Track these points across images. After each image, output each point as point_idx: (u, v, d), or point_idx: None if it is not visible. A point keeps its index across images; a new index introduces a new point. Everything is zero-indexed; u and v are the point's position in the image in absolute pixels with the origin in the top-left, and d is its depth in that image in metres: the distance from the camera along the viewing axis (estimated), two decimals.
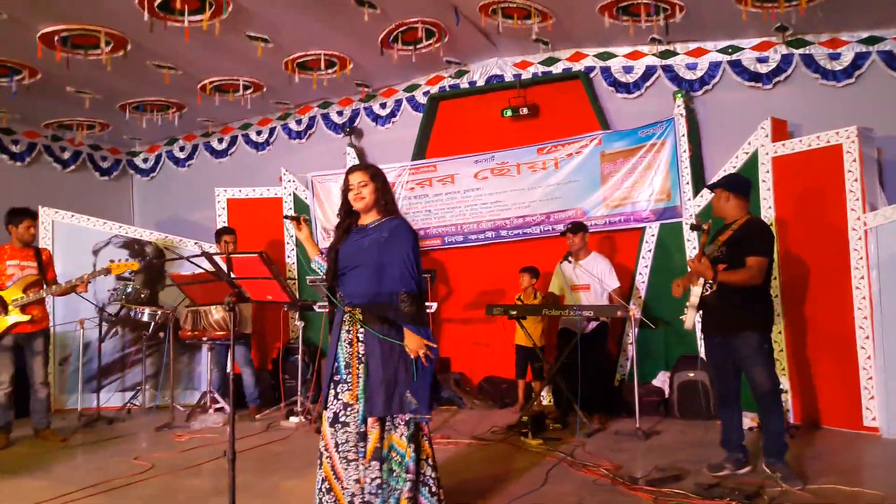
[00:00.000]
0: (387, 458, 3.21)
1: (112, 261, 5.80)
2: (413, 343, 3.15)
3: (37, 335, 5.66)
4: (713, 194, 4.40)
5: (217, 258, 2.99)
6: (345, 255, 3.33)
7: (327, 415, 3.29)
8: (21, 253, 5.72)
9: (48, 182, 8.73)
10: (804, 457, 4.53)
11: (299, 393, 6.48)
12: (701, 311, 4.22)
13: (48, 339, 5.85)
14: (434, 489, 3.27)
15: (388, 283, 3.21)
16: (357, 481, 3.20)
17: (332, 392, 3.29)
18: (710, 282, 4.05)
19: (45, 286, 5.64)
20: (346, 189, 3.38)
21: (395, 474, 3.20)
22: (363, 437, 3.22)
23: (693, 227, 4.56)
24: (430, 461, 3.31)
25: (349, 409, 3.23)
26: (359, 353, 3.25)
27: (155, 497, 4.02)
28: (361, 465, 3.21)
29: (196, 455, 5.03)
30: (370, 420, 3.21)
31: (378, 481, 3.18)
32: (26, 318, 5.52)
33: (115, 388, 7.32)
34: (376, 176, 3.38)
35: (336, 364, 3.29)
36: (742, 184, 4.36)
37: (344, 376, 3.26)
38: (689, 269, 4.33)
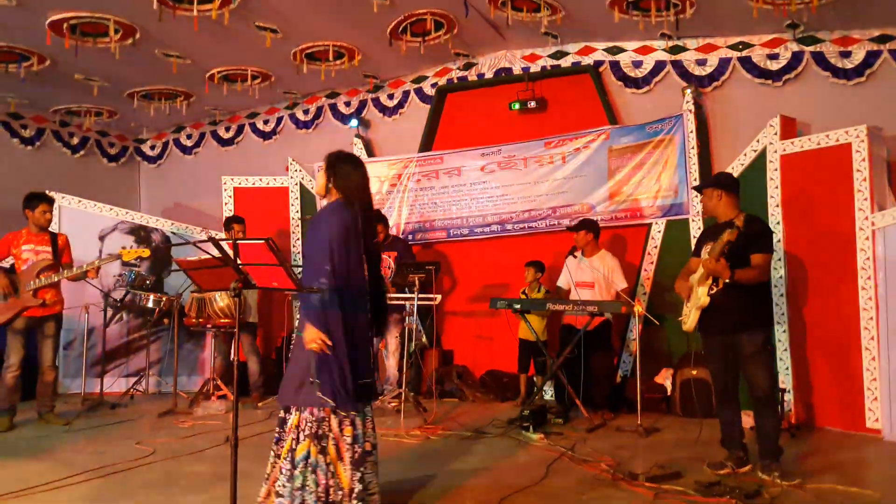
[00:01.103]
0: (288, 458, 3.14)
1: (124, 247, 5.82)
2: (308, 335, 3.06)
3: (48, 319, 5.70)
4: (702, 195, 4.38)
5: (223, 244, 2.99)
6: None
7: None
8: (36, 237, 5.76)
9: (57, 166, 8.78)
10: (805, 456, 4.53)
11: None
12: (701, 311, 4.18)
13: (60, 323, 5.87)
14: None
15: (309, 273, 3.17)
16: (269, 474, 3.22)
17: None
18: (727, 281, 4.00)
19: (57, 271, 5.66)
20: None
21: (304, 469, 3.11)
22: (281, 423, 3.23)
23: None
24: (331, 467, 3.13)
25: None
26: None
27: (156, 482, 4.04)
28: (272, 455, 3.22)
29: (198, 441, 5.05)
30: (292, 412, 3.19)
31: (288, 474, 3.12)
32: (38, 302, 5.56)
33: (118, 373, 7.35)
34: (329, 162, 3.38)
35: None
36: (732, 181, 4.36)
37: None
38: (691, 269, 4.30)
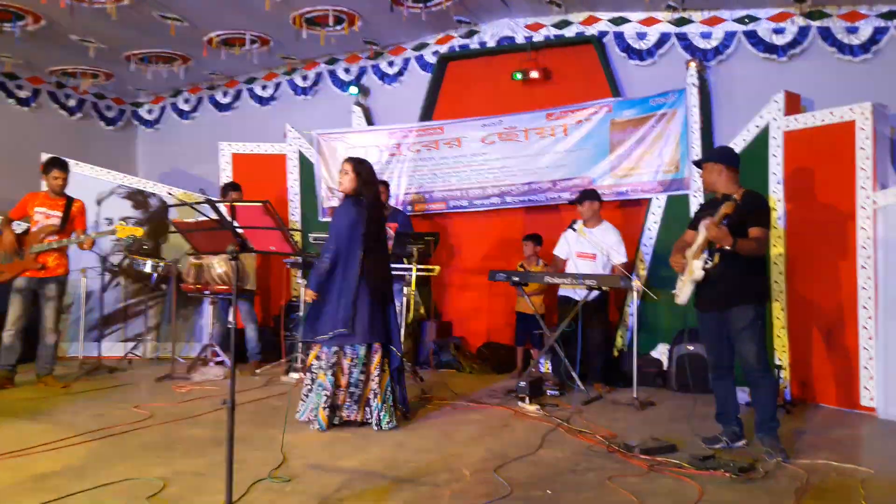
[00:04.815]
0: (312, 372, 4.54)
1: (121, 222, 5.87)
2: (307, 294, 4.57)
3: (49, 281, 5.72)
4: (703, 169, 4.33)
5: (221, 207, 2.96)
6: None
7: None
8: (51, 201, 5.81)
9: (53, 128, 8.70)
10: (799, 432, 4.56)
11: (300, 349, 6.51)
12: (695, 285, 4.17)
13: (62, 286, 5.88)
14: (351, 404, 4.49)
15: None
16: None
17: None
18: (728, 248, 3.94)
19: (54, 236, 5.68)
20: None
21: (313, 388, 4.49)
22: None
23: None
24: (345, 386, 4.47)
25: None
26: None
27: (154, 444, 4.06)
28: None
29: (195, 406, 5.07)
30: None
31: (306, 388, 4.56)
32: (38, 265, 5.64)
33: (116, 337, 7.36)
34: (357, 167, 4.54)
35: None
36: (734, 156, 4.32)
37: None
38: (686, 242, 4.27)
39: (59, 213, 5.76)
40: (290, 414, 4.85)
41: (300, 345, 6.53)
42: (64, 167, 5.84)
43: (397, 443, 4.17)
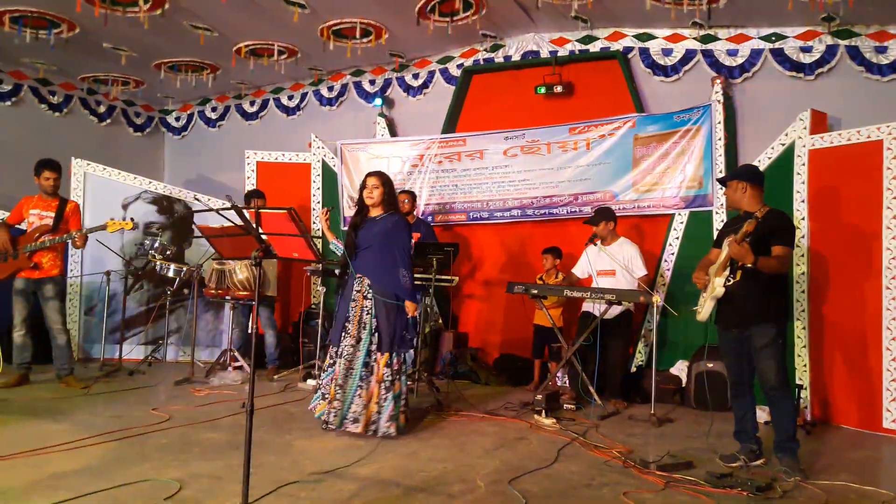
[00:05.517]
0: (386, 381, 4.50)
1: (118, 218, 5.97)
2: (411, 308, 4.59)
3: (45, 281, 5.83)
4: (727, 186, 4.31)
5: (246, 213, 3.00)
6: (359, 238, 4.65)
7: (340, 349, 4.59)
8: (44, 203, 5.91)
9: (83, 134, 8.88)
10: (819, 453, 4.49)
11: (317, 357, 6.54)
12: (716, 303, 4.14)
13: (59, 285, 5.97)
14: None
15: (390, 262, 4.56)
16: (360, 396, 4.46)
17: (343, 334, 4.59)
18: (749, 265, 3.94)
19: (48, 235, 5.79)
20: (361, 188, 4.70)
21: (389, 396, 4.47)
22: (366, 365, 4.49)
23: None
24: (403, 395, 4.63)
25: (353, 346, 4.54)
26: (364, 307, 4.55)
27: (171, 447, 4.10)
28: (371, 383, 4.46)
29: (213, 410, 5.12)
30: (379, 355, 4.50)
31: (382, 400, 4.46)
32: (30, 264, 5.75)
33: (137, 340, 7.45)
34: (385, 182, 4.70)
35: (347, 315, 4.60)
36: (759, 174, 4.30)
37: (352, 323, 4.57)
38: (711, 260, 4.25)
39: (52, 214, 5.86)
40: (306, 421, 4.87)
41: (318, 352, 6.57)
42: (55, 168, 5.94)
43: (411, 452, 4.18)
